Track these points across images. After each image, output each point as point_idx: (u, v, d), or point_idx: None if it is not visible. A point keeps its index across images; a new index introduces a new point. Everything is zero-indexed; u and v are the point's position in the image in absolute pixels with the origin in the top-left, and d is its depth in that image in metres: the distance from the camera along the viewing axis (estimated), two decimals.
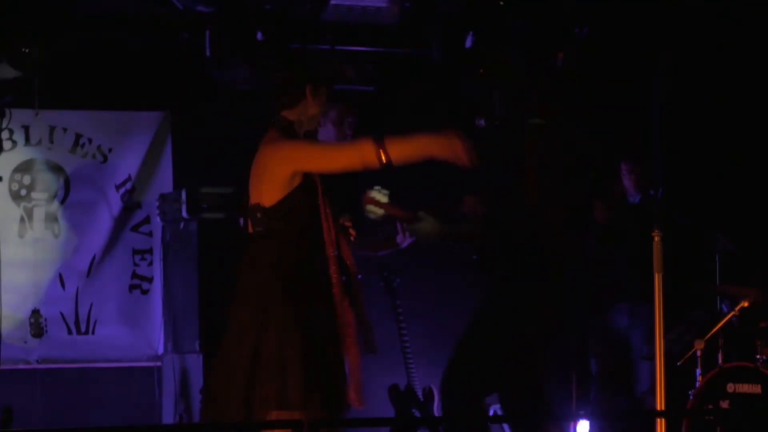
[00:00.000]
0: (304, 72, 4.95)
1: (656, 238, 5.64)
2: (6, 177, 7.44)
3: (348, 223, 5.05)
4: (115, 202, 7.67)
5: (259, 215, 4.77)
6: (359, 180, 5.53)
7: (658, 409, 5.65)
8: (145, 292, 7.77)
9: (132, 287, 7.71)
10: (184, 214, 7.27)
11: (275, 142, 4.84)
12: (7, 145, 7.43)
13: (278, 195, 4.76)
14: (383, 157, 4.70)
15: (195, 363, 7.27)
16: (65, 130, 7.58)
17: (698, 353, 7.00)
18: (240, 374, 4.68)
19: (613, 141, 7.54)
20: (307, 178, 4.80)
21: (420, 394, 7.26)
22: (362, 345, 4.90)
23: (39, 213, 7.55)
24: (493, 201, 5.92)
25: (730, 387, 6.90)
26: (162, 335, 7.61)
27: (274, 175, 4.78)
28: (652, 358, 6.64)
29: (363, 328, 4.91)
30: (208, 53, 7.16)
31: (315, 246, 4.82)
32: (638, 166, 7.29)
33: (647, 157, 7.27)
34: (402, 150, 4.75)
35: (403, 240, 6.58)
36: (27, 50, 6.83)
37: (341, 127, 6.68)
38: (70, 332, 7.50)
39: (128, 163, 7.76)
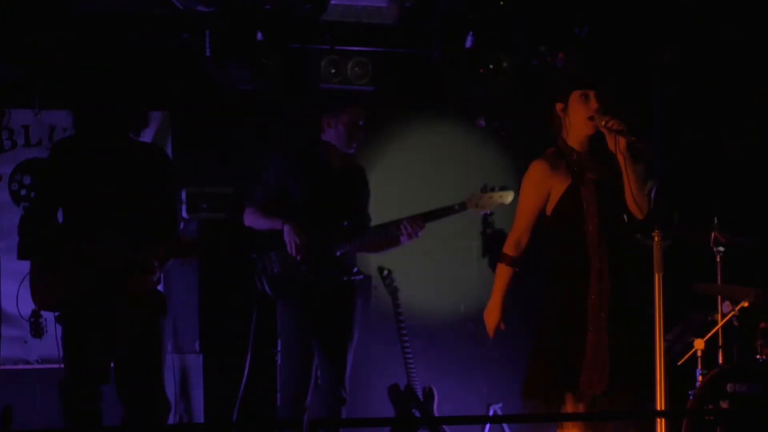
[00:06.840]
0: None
1: (656, 238, 5.64)
2: (6, 177, 7.44)
3: None
4: None
5: None
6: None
7: (658, 409, 5.64)
8: None
9: None
10: (184, 214, 7.27)
11: None
12: (7, 145, 7.42)
13: None
14: None
15: (195, 363, 7.27)
16: (65, 130, 7.56)
17: (698, 353, 7.00)
18: None
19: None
20: None
21: (420, 394, 7.26)
22: None
23: None
24: None
25: (730, 387, 6.89)
26: None
27: None
28: None
29: None
30: (208, 53, 7.16)
31: None
32: None
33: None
34: None
35: (406, 240, 6.58)
36: (27, 50, 6.83)
37: (354, 128, 6.66)
38: None
39: None
